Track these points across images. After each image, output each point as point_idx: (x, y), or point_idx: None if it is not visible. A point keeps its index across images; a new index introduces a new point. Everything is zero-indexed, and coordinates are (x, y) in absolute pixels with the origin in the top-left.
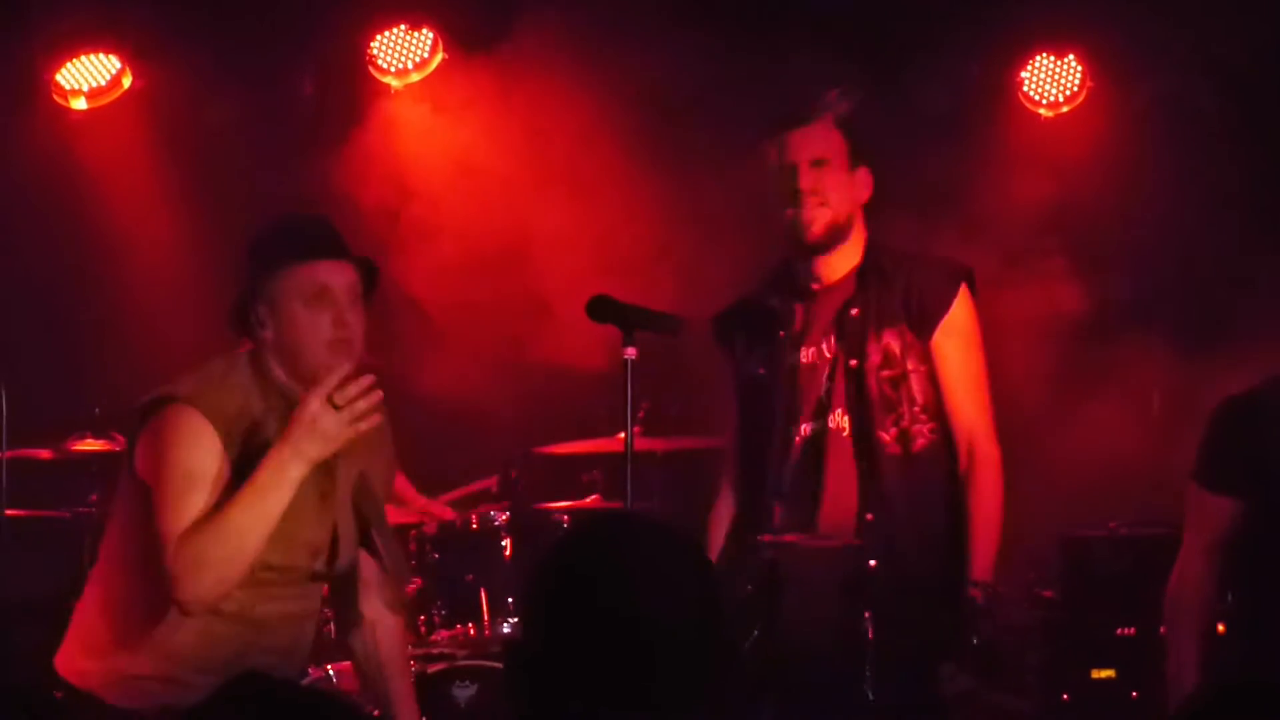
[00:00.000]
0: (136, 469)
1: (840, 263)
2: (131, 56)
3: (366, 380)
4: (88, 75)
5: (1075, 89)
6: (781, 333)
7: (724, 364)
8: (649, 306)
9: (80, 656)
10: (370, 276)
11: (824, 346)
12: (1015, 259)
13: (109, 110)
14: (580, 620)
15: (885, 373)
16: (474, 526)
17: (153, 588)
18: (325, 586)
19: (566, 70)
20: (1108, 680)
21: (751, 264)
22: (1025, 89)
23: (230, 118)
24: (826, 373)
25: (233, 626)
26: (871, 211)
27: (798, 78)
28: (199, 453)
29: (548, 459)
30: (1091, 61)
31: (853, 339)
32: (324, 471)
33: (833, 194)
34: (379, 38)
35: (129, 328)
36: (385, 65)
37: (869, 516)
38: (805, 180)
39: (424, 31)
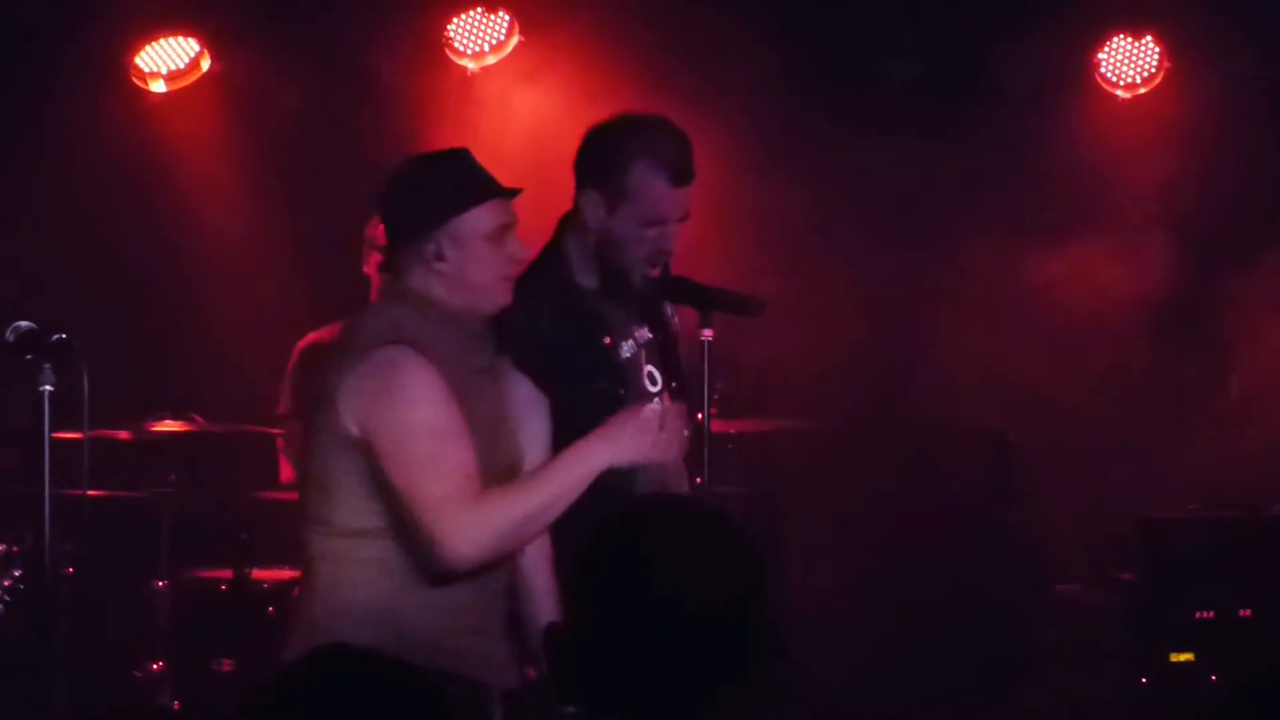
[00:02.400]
0: (352, 424)
1: None
2: (210, 40)
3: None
4: (167, 58)
5: (1153, 70)
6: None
7: None
8: (726, 287)
9: (358, 627)
10: None
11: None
12: (1100, 240)
13: (187, 93)
14: (626, 605)
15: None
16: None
17: (410, 551)
18: None
19: (636, 51)
20: (1186, 664)
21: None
22: (1102, 70)
23: (307, 101)
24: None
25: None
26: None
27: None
28: (439, 404)
29: None
30: (1169, 42)
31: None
32: None
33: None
34: (456, 20)
35: (207, 309)
36: (462, 48)
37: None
38: (679, 240)
39: (500, 14)
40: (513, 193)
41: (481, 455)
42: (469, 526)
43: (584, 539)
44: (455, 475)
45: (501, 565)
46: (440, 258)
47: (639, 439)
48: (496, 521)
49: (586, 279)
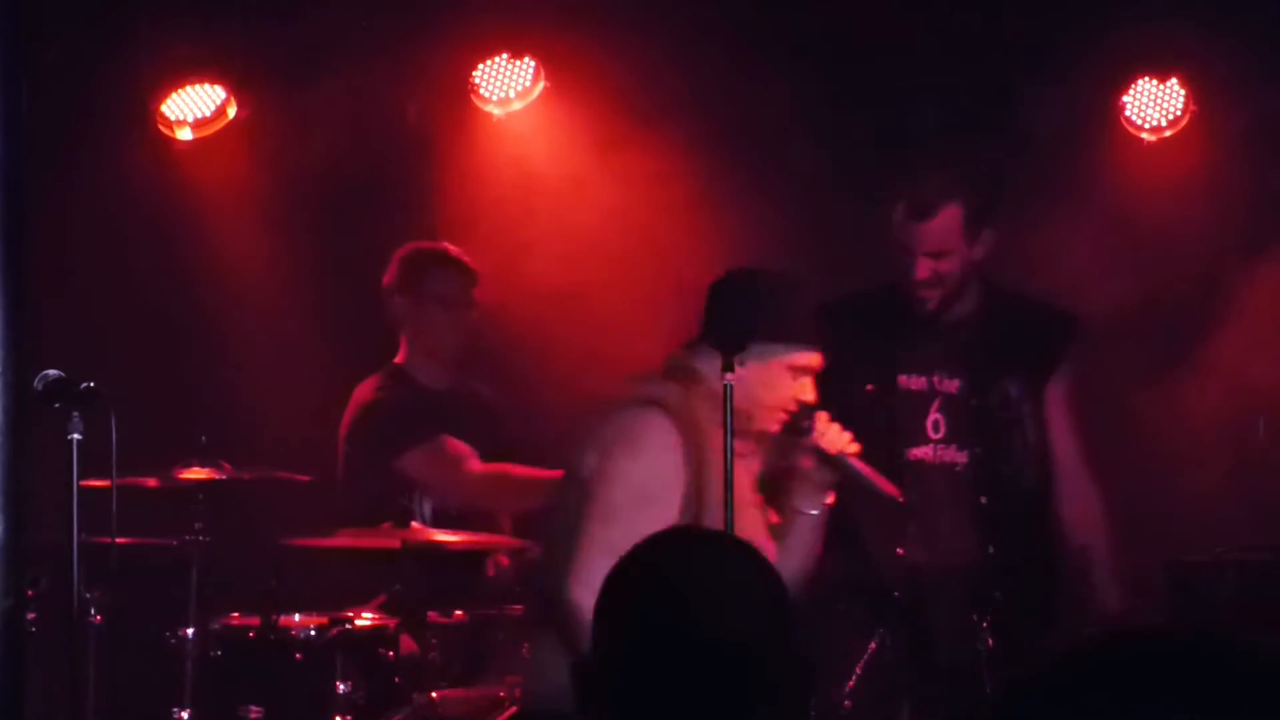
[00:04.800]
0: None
1: (956, 302)
2: (236, 87)
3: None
4: (193, 106)
5: (1178, 113)
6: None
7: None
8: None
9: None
10: None
11: (935, 378)
12: (1127, 281)
13: (214, 140)
14: (652, 637)
15: (1005, 414)
16: None
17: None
18: None
19: (661, 97)
20: None
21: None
22: (1127, 113)
23: (333, 147)
24: (938, 403)
25: None
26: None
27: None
28: (666, 470)
29: None
30: (1194, 85)
31: (971, 375)
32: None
33: (948, 277)
34: (481, 67)
35: (235, 356)
36: (488, 94)
37: (991, 549)
38: (922, 271)
39: (525, 60)
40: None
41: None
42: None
43: (613, 570)
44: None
45: None
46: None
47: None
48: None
49: None
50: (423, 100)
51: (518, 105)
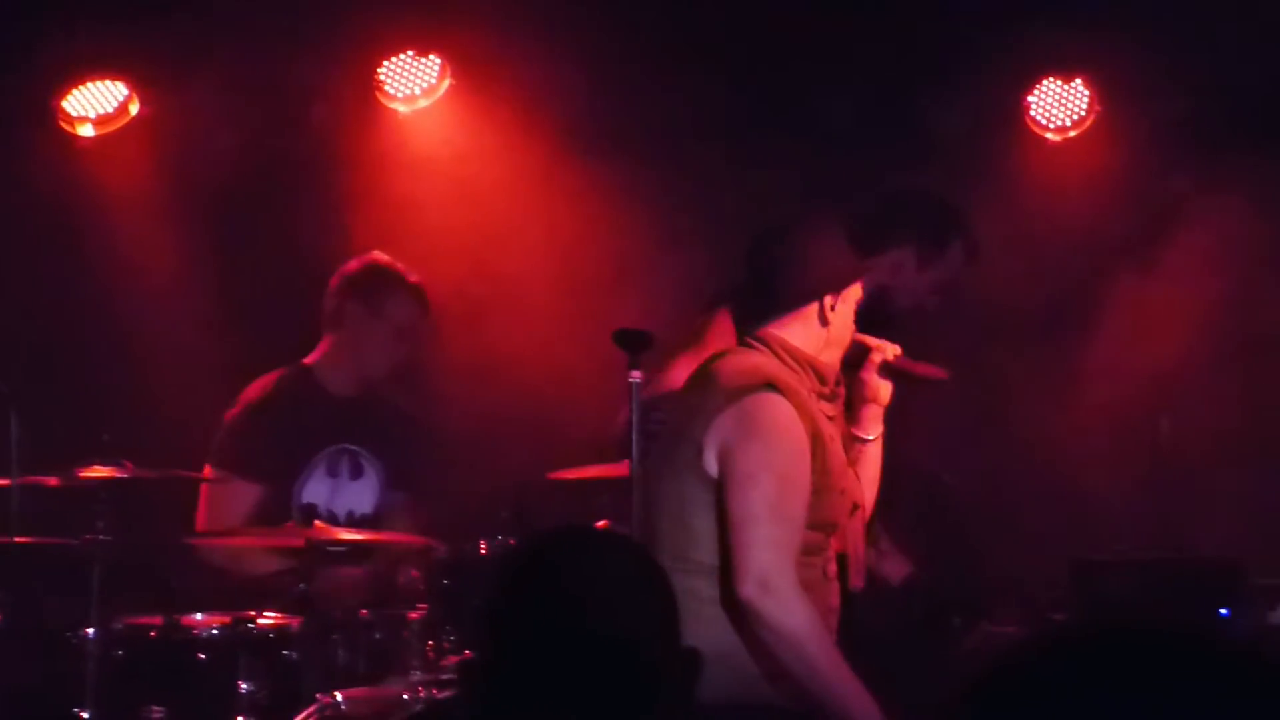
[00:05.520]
0: (713, 462)
1: None
2: (139, 83)
3: None
4: (95, 102)
5: (1083, 113)
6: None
7: None
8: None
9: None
10: None
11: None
12: (1032, 280)
13: (116, 137)
14: (541, 634)
15: None
16: (483, 552)
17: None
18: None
19: (568, 94)
20: None
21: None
22: (1033, 113)
23: (238, 144)
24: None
25: (817, 592)
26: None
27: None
28: (797, 454)
29: (558, 484)
30: (1099, 86)
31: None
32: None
33: None
34: (386, 64)
35: (137, 355)
36: (394, 91)
37: None
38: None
39: (431, 58)
40: None
41: (831, 497)
42: (802, 599)
43: (499, 569)
44: (792, 523)
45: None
46: (827, 314)
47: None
48: (809, 623)
49: None
50: (328, 98)
51: (423, 103)
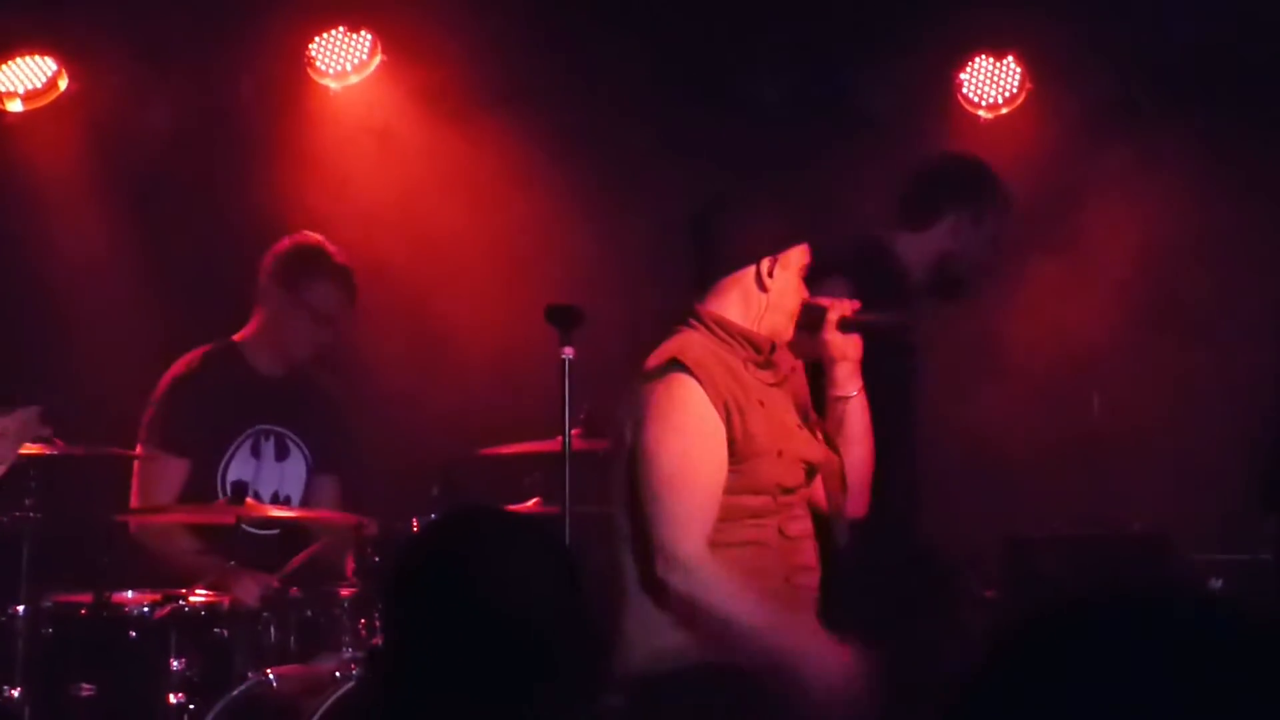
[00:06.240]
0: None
1: None
2: (68, 58)
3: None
4: (23, 77)
5: (1015, 91)
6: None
7: None
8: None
9: (657, 639)
10: None
11: None
12: None
13: (45, 113)
14: (443, 617)
15: None
16: (415, 529)
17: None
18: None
19: (501, 69)
20: None
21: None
22: (965, 90)
23: (167, 120)
24: None
25: (774, 552)
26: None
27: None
28: (702, 434)
29: (489, 461)
30: (1031, 63)
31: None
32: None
33: None
34: (317, 39)
35: (64, 333)
36: (324, 67)
37: None
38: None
39: (362, 33)
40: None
41: (767, 461)
42: (707, 568)
43: (402, 549)
44: (695, 497)
45: (792, 512)
46: (770, 274)
47: (831, 690)
48: (719, 588)
49: None
50: (258, 73)
51: (354, 79)
